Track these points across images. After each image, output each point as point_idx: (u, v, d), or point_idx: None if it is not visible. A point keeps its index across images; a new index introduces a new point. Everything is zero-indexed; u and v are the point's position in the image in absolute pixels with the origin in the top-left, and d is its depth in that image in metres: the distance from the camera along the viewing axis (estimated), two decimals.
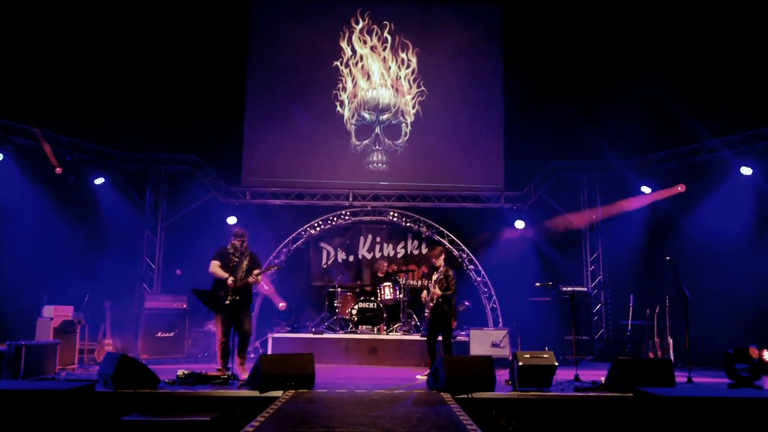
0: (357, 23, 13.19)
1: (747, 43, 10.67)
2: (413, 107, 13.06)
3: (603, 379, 7.25)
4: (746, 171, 10.27)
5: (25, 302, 9.47)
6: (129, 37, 11.90)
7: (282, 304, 11.80)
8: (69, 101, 11.19)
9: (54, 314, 8.88)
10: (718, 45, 10.99)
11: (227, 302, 7.58)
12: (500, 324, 11.94)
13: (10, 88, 10.50)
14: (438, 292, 8.11)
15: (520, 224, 12.43)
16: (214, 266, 7.79)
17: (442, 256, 8.42)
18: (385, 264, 12.08)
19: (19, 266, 10.01)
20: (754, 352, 7.66)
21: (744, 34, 10.74)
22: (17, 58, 10.70)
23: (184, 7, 12.40)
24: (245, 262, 7.87)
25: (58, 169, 10.66)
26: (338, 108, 13.04)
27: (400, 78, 13.13)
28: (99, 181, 11.42)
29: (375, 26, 13.19)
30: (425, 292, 8.63)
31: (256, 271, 7.78)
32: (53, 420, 4.92)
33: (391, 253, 12.86)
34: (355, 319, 10.73)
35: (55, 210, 10.72)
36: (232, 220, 12.10)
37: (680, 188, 11.14)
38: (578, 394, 6.80)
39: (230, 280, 7.64)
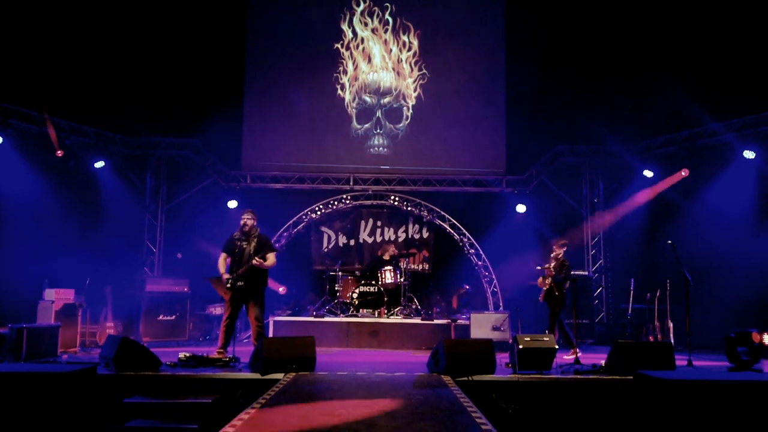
0: (358, 5, 13.08)
1: (748, 27, 10.58)
2: (414, 90, 12.99)
3: (603, 362, 7.27)
4: (749, 155, 10.21)
5: (26, 286, 9.49)
6: (129, 21, 11.82)
7: (282, 289, 11.82)
8: (69, 85, 11.13)
9: (55, 297, 8.91)
10: (719, 29, 10.90)
11: (228, 286, 7.55)
12: (501, 307, 11.97)
13: (10, 72, 10.44)
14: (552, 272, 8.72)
15: (521, 208, 12.41)
16: (219, 260, 7.75)
17: (564, 249, 8.97)
18: (391, 247, 12.06)
19: (21, 250, 10.02)
20: (756, 336, 7.67)
21: (745, 18, 10.65)
22: (18, 41, 10.63)
23: None
24: (252, 245, 7.63)
25: (59, 152, 10.62)
26: (339, 91, 12.97)
27: (402, 61, 13.05)
28: (99, 164, 11.38)
29: (376, 8, 13.08)
30: (540, 278, 8.99)
31: (255, 260, 7.53)
32: (55, 402, 4.93)
33: (392, 237, 12.87)
34: (356, 302, 10.75)
35: (56, 194, 10.70)
36: (232, 204, 12.10)
37: (684, 173, 11.11)
38: (578, 376, 6.82)
39: (224, 277, 7.60)
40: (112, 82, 11.59)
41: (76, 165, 11.04)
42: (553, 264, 8.84)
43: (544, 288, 8.81)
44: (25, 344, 7.30)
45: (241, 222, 7.77)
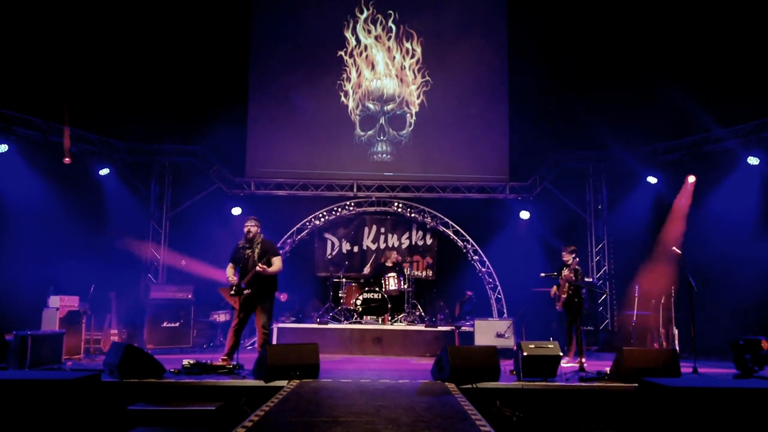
0: (361, 12, 13.12)
1: (753, 32, 10.57)
2: (418, 97, 13.01)
3: (608, 369, 7.24)
4: (753, 161, 10.21)
5: (31, 293, 9.51)
6: (133, 29, 11.87)
7: (283, 296, 11.82)
8: (73, 92, 11.17)
9: (60, 304, 8.93)
10: (724, 34, 10.89)
11: (232, 292, 7.54)
12: (505, 314, 11.96)
13: (14, 79, 10.49)
14: (572, 276, 8.48)
15: (525, 215, 12.40)
16: (227, 269, 7.73)
17: (573, 255, 8.77)
18: (393, 253, 12.07)
19: (25, 256, 10.05)
20: (765, 344, 7.61)
21: (749, 24, 10.65)
22: (21, 49, 10.69)
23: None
24: (256, 251, 7.61)
25: (66, 159, 10.67)
26: (342, 98, 13.00)
27: (405, 68, 13.08)
28: (104, 171, 11.44)
29: (379, 16, 13.12)
30: (555, 287, 8.79)
31: (259, 267, 7.49)
32: (59, 409, 4.94)
33: (396, 244, 12.86)
34: (360, 309, 10.75)
35: (60, 201, 10.73)
36: (236, 211, 12.12)
37: (690, 179, 11.05)
38: (583, 384, 6.79)
39: (231, 281, 7.59)
40: (116, 89, 11.63)
41: (80, 172, 11.07)
42: (566, 272, 8.63)
43: (563, 296, 8.58)
44: (30, 351, 7.30)
45: (245, 229, 7.77)
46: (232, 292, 7.55)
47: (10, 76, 10.44)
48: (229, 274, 7.70)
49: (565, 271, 8.65)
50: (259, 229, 7.80)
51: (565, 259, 8.79)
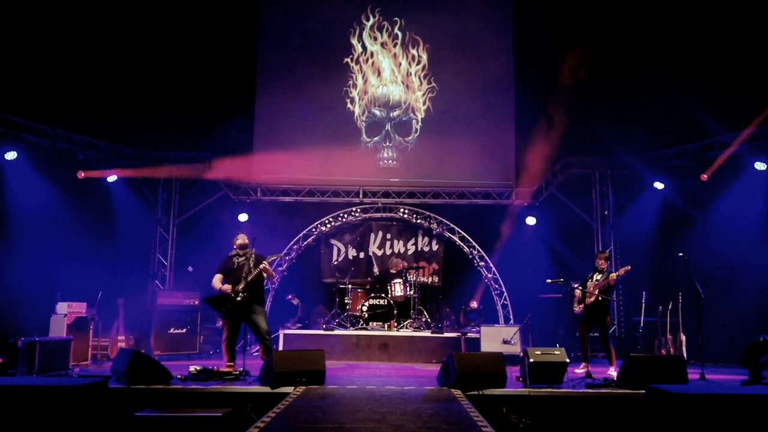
0: (367, 20, 13.17)
1: (759, 37, 10.55)
2: (424, 104, 13.03)
3: (615, 375, 7.21)
4: (760, 166, 10.17)
5: (38, 299, 9.57)
6: (141, 37, 11.95)
7: (289, 296, 11.86)
8: (81, 99, 11.25)
9: (68, 311, 8.97)
10: (729, 39, 10.88)
11: (238, 299, 7.55)
12: (511, 321, 11.92)
13: (23, 87, 10.58)
14: (613, 280, 8.31)
15: (531, 220, 12.39)
16: (215, 280, 7.78)
17: (608, 262, 8.82)
18: (400, 261, 12.09)
19: (33, 263, 10.11)
20: None
21: (755, 28, 10.63)
22: (31, 56, 10.78)
23: (196, 6, 12.44)
24: (252, 260, 7.76)
25: (81, 173, 10.83)
26: (349, 105, 13.04)
27: (411, 74, 13.11)
28: (112, 178, 11.49)
29: (386, 23, 13.17)
30: (578, 290, 8.63)
31: (264, 264, 7.65)
32: (67, 416, 4.96)
33: (402, 250, 12.86)
34: (366, 315, 10.75)
35: (68, 207, 10.80)
36: (243, 217, 12.16)
37: (704, 177, 10.92)
38: (590, 391, 6.78)
39: (226, 287, 7.61)
40: (124, 96, 11.71)
41: (88, 179, 11.15)
42: (599, 277, 8.41)
43: (589, 300, 8.37)
44: (38, 357, 7.35)
45: (241, 242, 7.88)
46: (239, 299, 7.55)
47: (20, 84, 10.52)
48: (218, 284, 7.71)
49: (597, 276, 8.47)
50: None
51: (600, 266, 8.60)
